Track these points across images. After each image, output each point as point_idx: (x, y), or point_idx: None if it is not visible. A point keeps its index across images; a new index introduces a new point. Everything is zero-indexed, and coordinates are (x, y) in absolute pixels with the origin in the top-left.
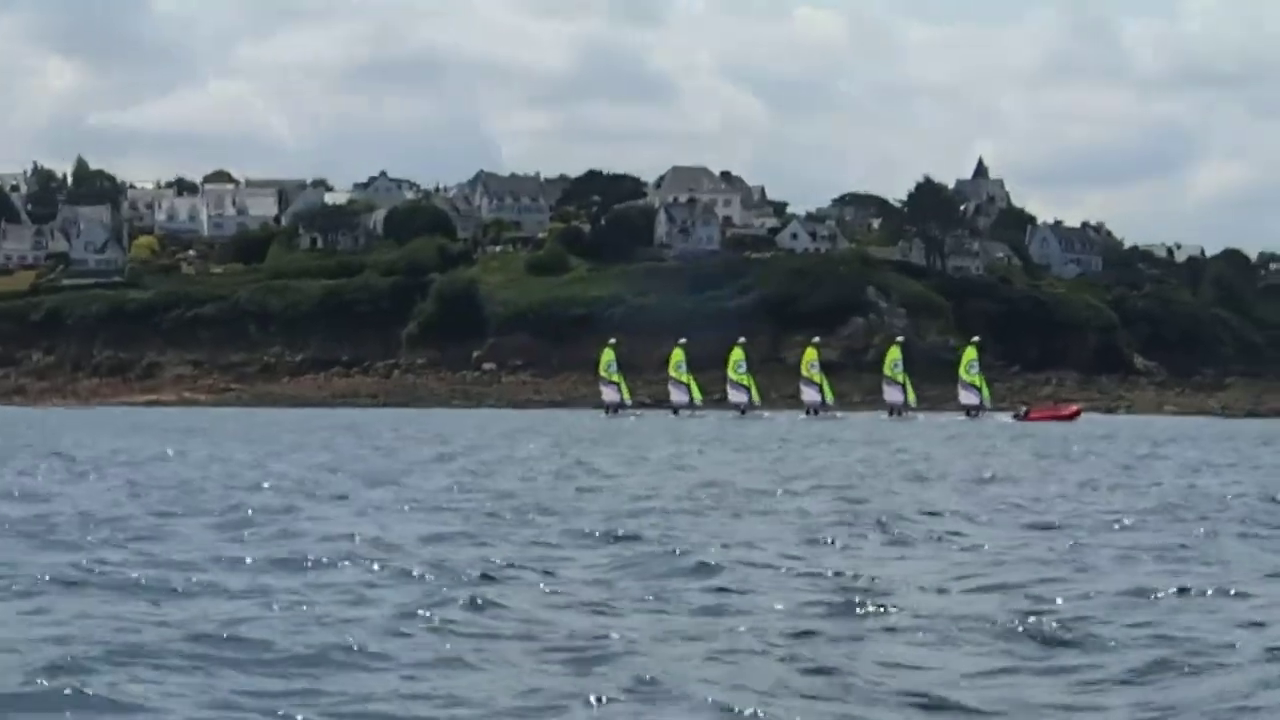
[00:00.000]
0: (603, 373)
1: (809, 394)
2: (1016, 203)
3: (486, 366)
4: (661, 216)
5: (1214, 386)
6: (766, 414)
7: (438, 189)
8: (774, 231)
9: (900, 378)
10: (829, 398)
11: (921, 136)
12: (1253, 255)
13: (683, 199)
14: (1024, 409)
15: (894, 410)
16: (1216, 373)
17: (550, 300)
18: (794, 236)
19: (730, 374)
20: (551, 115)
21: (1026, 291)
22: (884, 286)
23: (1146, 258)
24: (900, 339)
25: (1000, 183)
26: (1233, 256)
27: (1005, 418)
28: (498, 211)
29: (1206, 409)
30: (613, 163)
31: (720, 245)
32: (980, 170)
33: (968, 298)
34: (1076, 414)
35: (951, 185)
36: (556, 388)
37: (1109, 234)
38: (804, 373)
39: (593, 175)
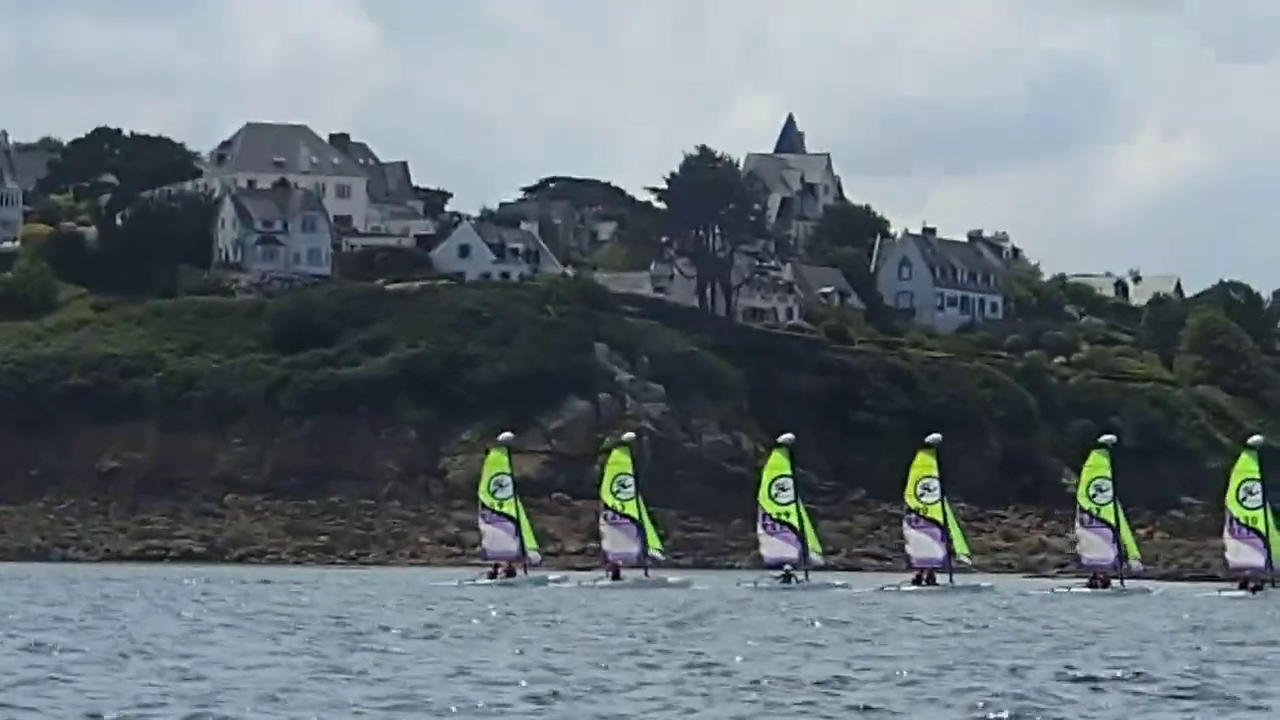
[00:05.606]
0: (485, 495)
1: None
2: (855, 198)
3: None
4: (227, 213)
5: (1210, 527)
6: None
7: None
8: (427, 243)
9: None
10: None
11: (689, 86)
12: (1265, 290)
13: (264, 183)
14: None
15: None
16: (1211, 501)
17: (28, 361)
18: (464, 252)
19: None
20: (5, 34)
21: (875, 355)
22: (625, 343)
23: (1082, 296)
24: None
25: (825, 161)
26: (1228, 293)
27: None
28: None
29: (1199, 568)
30: (140, 118)
31: (333, 266)
32: (790, 138)
33: (772, 365)
34: None
35: (741, 163)
36: (33, 522)
37: (1016, 254)
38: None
39: (104, 137)
